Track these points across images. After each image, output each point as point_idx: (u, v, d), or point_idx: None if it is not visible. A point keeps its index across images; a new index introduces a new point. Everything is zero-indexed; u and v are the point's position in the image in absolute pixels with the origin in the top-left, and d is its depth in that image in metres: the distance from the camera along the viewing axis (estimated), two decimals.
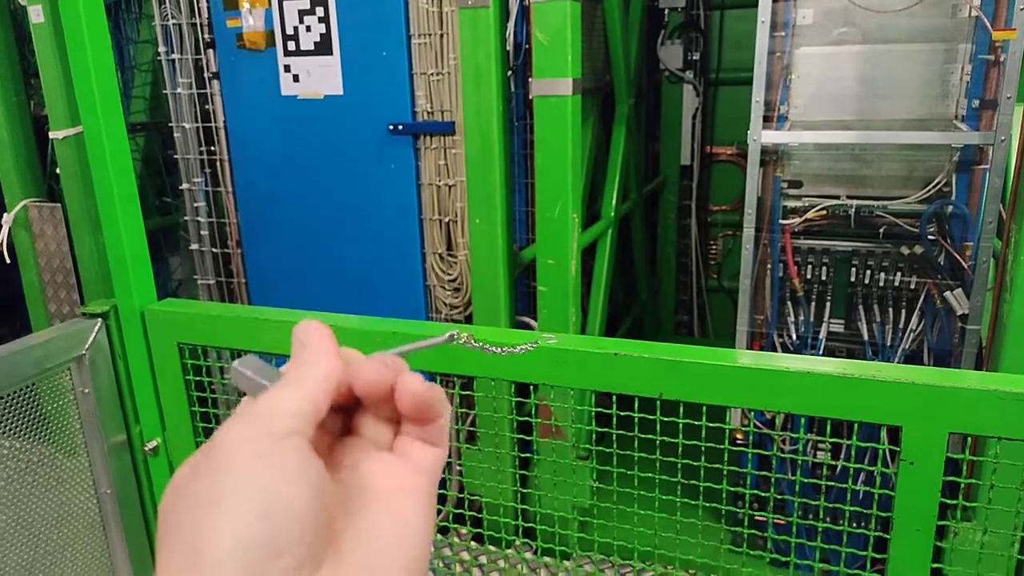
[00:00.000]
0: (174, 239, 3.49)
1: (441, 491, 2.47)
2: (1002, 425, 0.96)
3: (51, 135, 2.74)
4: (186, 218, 2.71)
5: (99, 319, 1.36)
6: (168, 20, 2.51)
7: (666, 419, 1.28)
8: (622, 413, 1.37)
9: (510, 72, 2.32)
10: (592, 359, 1.27)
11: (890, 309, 2.46)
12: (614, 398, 1.35)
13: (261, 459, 0.35)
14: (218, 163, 2.63)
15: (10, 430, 1.21)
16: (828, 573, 1.69)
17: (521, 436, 2.03)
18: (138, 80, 3.25)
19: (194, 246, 2.73)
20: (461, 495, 2.46)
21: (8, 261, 2.94)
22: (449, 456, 2.45)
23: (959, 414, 0.98)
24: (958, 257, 2.27)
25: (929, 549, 1.04)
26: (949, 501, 1.10)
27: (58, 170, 2.82)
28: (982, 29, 2.17)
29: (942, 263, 2.33)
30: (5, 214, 2.93)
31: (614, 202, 2.95)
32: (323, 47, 2.32)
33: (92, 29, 1.32)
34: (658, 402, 1.35)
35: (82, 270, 2.86)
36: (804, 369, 1.09)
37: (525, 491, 2.07)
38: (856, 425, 1.11)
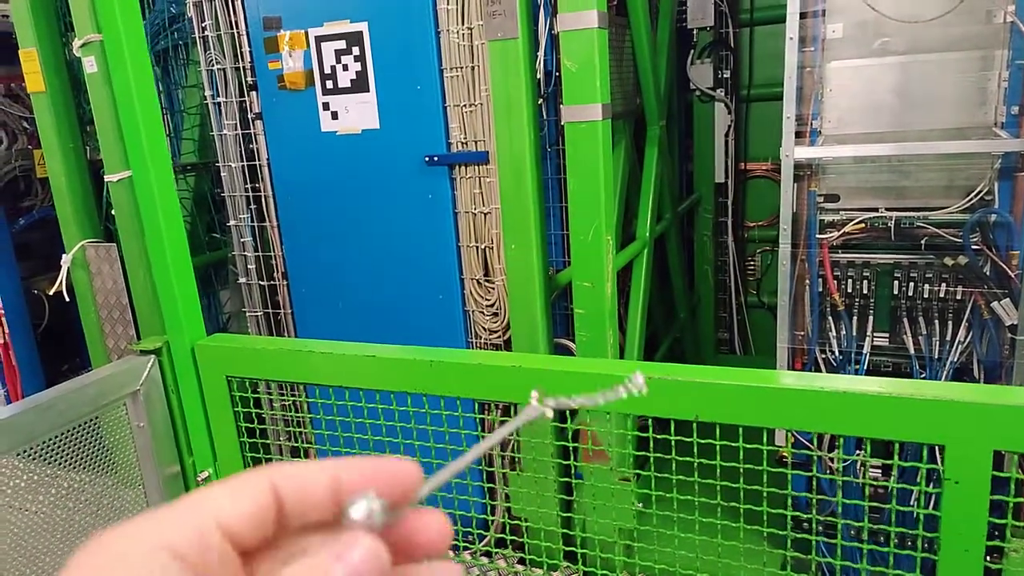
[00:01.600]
0: (224, 273, 3.62)
1: (485, 516, 2.49)
2: None
3: (106, 179, 2.88)
4: (234, 253, 2.81)
5: (152, 355, 1.43)
6: (213, 65, 2.63)
7: (702, 441, 1.29)
8: (659, 436, 1.38)
9: (541, 100, 2.37)
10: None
11: (936, 321, 2.42)
12: (650, 421, 1.36)
13: None
14: (263, 199, 2.73)
15: (72, 463, 1.28)
16: None
17: (561, 461, 2.04)
18: (187, 123, 3.39)
19: (242, 279, 2.83)
20: (505, 520, 2.48)
21: (68, 300, 3.08)
22: (493, 481, 2.46)
23: (1004, 431, 0.97)
24: (1004, 266, 2.22)
25: (979, 570, 1.02)
26: (998, 521, 1.09)
27: (113, 211, 2.96)
28: (1018, 35, 2.14)
29: (988, 273, 2.28)
30: (64, 255, 3.07)
31: (648, 223, 2.97)
32: (359, 84, 2.41)
33: (139, 80, 1.41)
34: (695, 424, 1.36)
35: (137, 307, 2.98)
36: (841, 389, 1.09)
37: (568, 515, 2.08)
38: (899, 445, 1.10)
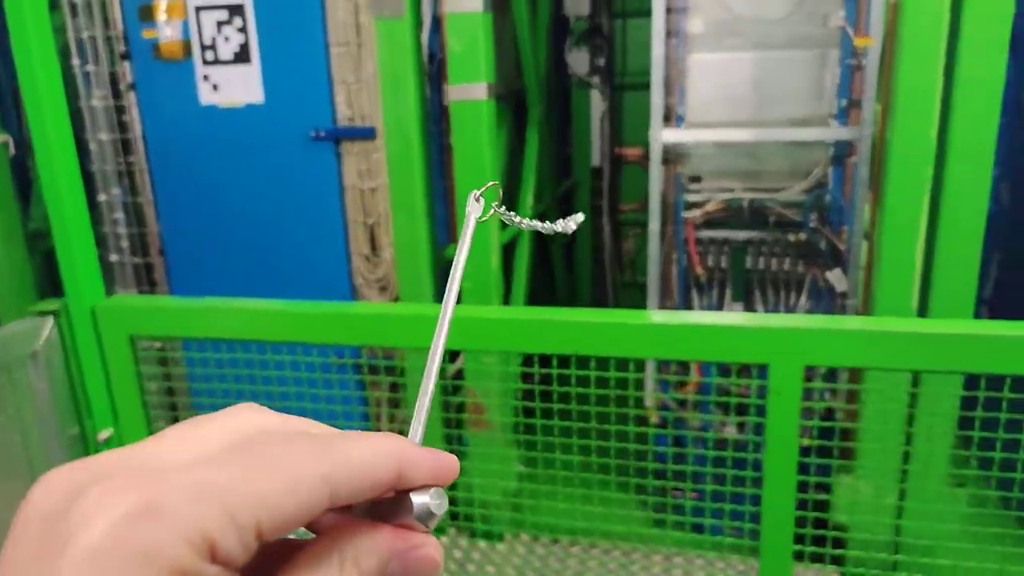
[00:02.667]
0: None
1: None
2: (847, 356, 1.16)
3: None
4: (105, 230, 2.70)
5: (51, 316, 1.40)
6: (82, 33, 2.50)
7: (581, 408, 1.43)
8: (542, 405, 1.51)
9: (426, 79, 2.44)
10: (515, 325, 1.41)
11: (782, 292, 2.71)
12: (537, 392, 1.48)
13: None
14: (136, 173, 2.64)
15: None
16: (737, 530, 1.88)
17: (447, 430, 2.15)
18: None
19: (114, 257, 2.72)
20: None
21: None
22: None
23: (811, 350, 1.18)
24: (835, 241, 2.53)
25: (794, 461, 1.23)
26: (809, 423, 1.30)
27: None
28: (846, 37, 2.44)
29: (824, 248, 2.59)
30: None
31: (530, 203, 3.11)
32: (242, 56, 2.38)
33: (39, 42, 1.38)
34: (572, 377, 1.50)
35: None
36: (692, 322, 1.26)
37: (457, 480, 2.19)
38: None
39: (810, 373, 2.36)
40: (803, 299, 2.69)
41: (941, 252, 1.93)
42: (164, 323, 1.49)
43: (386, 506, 0.32)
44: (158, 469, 0.26)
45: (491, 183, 0.44)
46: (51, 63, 1.52)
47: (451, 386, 2.31)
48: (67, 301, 1.42)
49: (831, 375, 2.36)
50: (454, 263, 0.42)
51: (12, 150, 2.79)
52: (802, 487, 1.47)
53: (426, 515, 0.31)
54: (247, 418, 0.30)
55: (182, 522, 0.24)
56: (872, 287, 2.17)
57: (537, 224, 0.45)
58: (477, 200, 0.43)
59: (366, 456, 0.29)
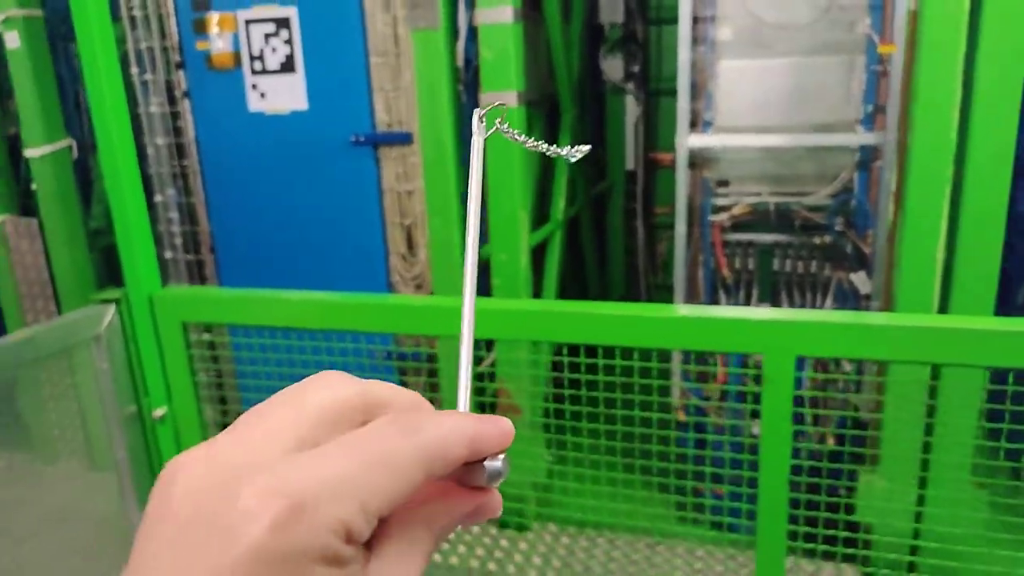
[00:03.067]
0: None
1: None
2: (841, 347, 1.23)
3: (27, 153, 2.89)
4: (160, 229, 2.87)
5: (113, 304, 1.56)
6: (140, 44, 2.69)
7: (608, 394, 1.51)
8: (569, 392, 1.60)
9: (460, 86, 2.55)
10: (543, 316, 1.51)
11: (808, 293, 2.75)
12: (565, 383, 1.58)
13: None
14: (189, 175, 2.81)
15: (49, 395, 1.40)
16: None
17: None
18: None
19: (168, 254, 2.89)
20: None
21: None
22: None
23: (802, 342, 1.25)
24: (860, 245, 2.56)
25: (787, 446, 1.30)
26: (800, 409, 1.36)
27: (33, 186, 2.96)
28: (872, 44, 2.48)
29: (849, 251, 2.63)
30: None
31: (562, 205, 3.20)
32: (288, 66, 2.53)
33: (104, 50, 1.53)
34: (600, 376, 1.59)
35: (59, 281, 3.00)
36: (699, 315, 1.35)
37: None
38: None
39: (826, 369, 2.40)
40: (828, 301, 2.72)
41: (961, 253, 1.96)
42: (213, 311, 1.64)
43: (457, 471, 0.36)
44: (292, 466, 0.30)
45: (497, 103, 0.44)
46: (114, 72, 1.67)
47: (485, 374, 2.42)
48: (127, 290, 1.58)
49: (857, 373, 2.39)
50: (469, 189, 0.43)
51: (75, 153, 2.99)
52: (820, 487, 1.53)
53: (496, 477, 0.36)
54: (333, 395, 0.34)
55: (326, 518, 0.29)
56: (893, 288, 2.21)
57: (543, 145, 0.44)
58: (481, 120, 0.43)
59: (446, 436, 0.34)
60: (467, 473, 0.36)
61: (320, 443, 0.32)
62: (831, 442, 2.43)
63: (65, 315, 1.52)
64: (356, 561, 0.31)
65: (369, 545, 0.32)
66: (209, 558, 0.27)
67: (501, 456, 0.36)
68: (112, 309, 1.55)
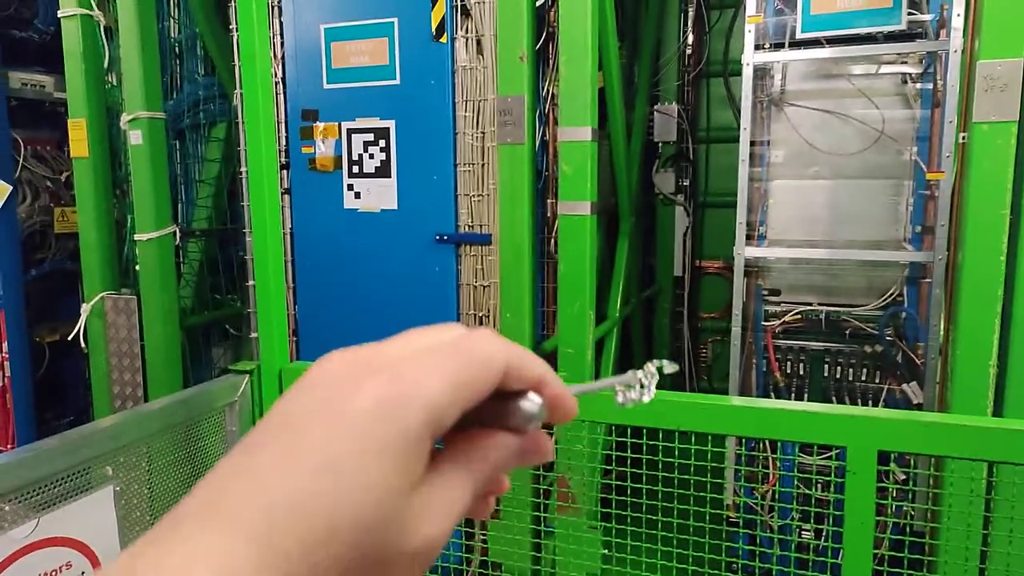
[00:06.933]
0: (219, 331, 3.89)
1: (468, 555, 2.74)
2: (917, 444, 1.35)
3: (136, 237, 3.19)
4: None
5: (246, 375, 1.74)
6: None
7: (663, 489, 1.64)
8: (622, 483, 1.72)
9: None
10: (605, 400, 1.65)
11: (859, 400, 2.85)
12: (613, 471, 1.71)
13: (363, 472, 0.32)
14: (282, 264, 3.06)
15: (185, 456, 1.55)
16: None
17: (533, 513, 2.34)
18: (202, 192, 3.74)
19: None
20: (484, 557, 2.73)
21: (84, 347, 3.30)
22: (472, 526, 2.72)
23: (884, 437, 1.37)
24: (912, 355, 2.68)
25: (870, 537, 1.40)
26: (883, 502, 1.46)
27: (137, 267, 3.24)
28: (919, 170, 2.69)
29: (899, 360, 2.75)
30: (84, 304, 3.31)
31: (619, 304, 3.39)
32: (383, 171, 2.82)
33: (267, 141, 1.80)
34: (659, 455, 1.72)
35: (149, 357, 3.22)
36: (776, 407, 1.48)
37: (538, 555, 2.36)
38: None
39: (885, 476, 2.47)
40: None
41: (1013, 365, 2.08)
42: None
43: (492, 417, 0.38)
44: (399, 358, 0.36)
45: (662, 362, 0.44)
46: (270, 173, 1.92)
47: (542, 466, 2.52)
48: (260, 363, 1.76)
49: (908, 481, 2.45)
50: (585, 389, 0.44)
51: (178, 239, 3.28)
52: None
53: (530, 419, 0.38)
54: (440, 328, 0.41)
55: (426, 400, 0.34)
56: (947, 400, 2.31)
57: (648, 392, 0.44)
58: (647, 378, 0.43)
59: (533, 362, 0.39)
60: (505, 416, 0.38)
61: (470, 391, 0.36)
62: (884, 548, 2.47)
63: (202, 384, 1.70)
64: (427, 460, 0.35)
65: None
66: (327, 415, 0.33)
67: (530, 393, 0.38)
68: (246, 379, 1.73)
